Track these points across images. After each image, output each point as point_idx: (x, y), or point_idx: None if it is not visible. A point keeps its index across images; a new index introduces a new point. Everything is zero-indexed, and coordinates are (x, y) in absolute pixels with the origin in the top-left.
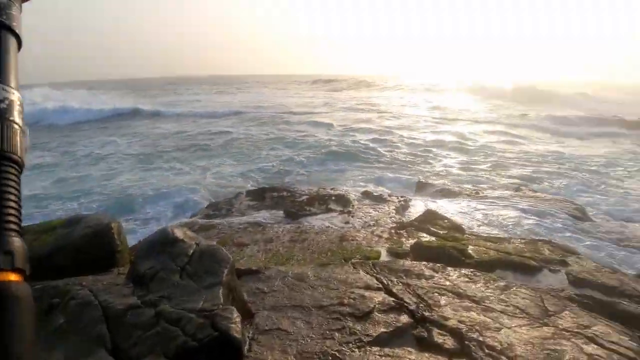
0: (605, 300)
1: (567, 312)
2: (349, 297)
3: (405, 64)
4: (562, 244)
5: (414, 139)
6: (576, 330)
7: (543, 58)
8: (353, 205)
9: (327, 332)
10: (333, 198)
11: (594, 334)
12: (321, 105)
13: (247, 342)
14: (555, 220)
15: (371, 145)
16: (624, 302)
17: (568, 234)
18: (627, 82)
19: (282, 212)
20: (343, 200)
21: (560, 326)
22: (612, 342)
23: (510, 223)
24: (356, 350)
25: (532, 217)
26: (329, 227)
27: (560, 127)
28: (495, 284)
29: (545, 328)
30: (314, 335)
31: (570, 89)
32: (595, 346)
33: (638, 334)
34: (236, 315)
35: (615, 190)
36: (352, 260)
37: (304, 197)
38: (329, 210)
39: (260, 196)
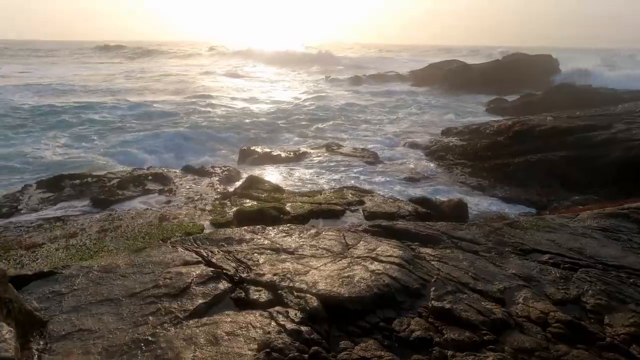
0: (387, 225)
1: (361, 242)
2: (165, 278)
3: (187, 28)
4: (361, 187)
5: (238, 107)
6: (366, 255)
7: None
8: (174, 183)
9: (140, 318)
10: (150, 178)
11: (377, 254)
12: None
13: (36, 356)
14: (355, 168)
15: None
16: (400, 222)
17: (365, 178)
18: (355, 42)
19: (88, 201)
20: (162, 179)
21: (355, 255)
22: (389, 256)
23: (321, 176)
24: (172, 328)
25: (340, 168)
26: (147, 209)
27: (353, 85)
28: (308, 233)
29: (343, 260)
30: (124, 326)
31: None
32: (377, 263)
33: (407, 243)
34: (5, 332)
35: (396, 134)
36: (172, 239)
37: (115, 181)
38: (147, 192)
39: (57, 186)
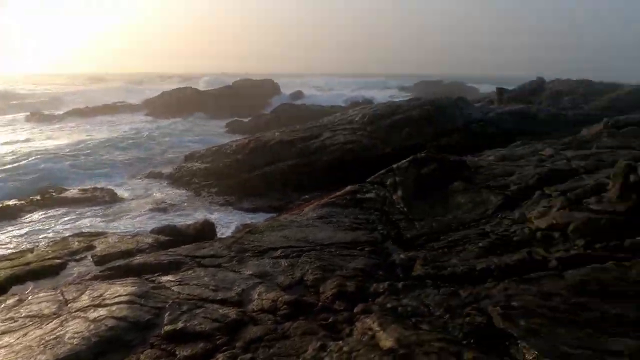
0: (123, 264)
1: (87, 291)
2: None
3: None
4: (93, 230)
5: None
6: (89, 304)
7: None
8: None
9: None
10: None
11: (103, 298)
12: None
13: None
14: (86, 211)
15: None
16: (137, 258)
17: (100, 220)
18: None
19: None
20: None
21: (75, 308)
22: (117, 297)
23: (38, 233)
24: None
25: (65, 217)
26: None
27: (72, 121)
28: (4, 305)
29: (55, 320)
30: None
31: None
32: (101, 308)
33: (146, 277)
34: None
35: (136, 167)
36: None
37: None
38: None
39: None
